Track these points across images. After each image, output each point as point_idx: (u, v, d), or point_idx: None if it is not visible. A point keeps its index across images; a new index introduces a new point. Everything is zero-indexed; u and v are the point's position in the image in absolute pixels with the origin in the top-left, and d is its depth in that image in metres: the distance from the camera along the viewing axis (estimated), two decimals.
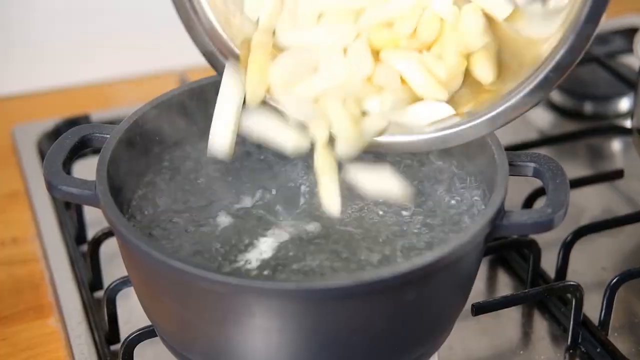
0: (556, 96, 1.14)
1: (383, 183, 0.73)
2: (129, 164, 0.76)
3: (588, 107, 1.13)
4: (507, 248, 0.89)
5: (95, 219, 0.91)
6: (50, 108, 1.14)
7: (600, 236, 0.91)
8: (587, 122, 1.11)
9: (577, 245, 0.87)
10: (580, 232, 0.87)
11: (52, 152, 0.74)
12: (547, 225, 0.68)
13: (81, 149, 0.76)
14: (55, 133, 1.06)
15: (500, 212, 0.69)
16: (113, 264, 0.88)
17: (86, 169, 0.95)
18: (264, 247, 0.71)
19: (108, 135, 0.75)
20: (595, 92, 1.13)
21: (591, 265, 0.91)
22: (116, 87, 1.19)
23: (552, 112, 1.14)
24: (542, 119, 1.13)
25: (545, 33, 0.70)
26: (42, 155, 1.04)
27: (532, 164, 0.73)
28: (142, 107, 0.78)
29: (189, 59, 1.19)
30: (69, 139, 0.75)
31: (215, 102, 0.76)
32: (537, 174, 0.73)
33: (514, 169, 0.73)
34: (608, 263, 0.91)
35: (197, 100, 0.80)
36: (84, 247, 0.92)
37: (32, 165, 1.03)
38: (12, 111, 1.14)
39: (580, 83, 1.14)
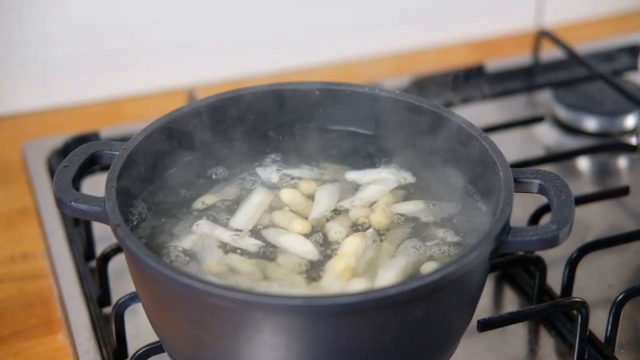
0: (562, 113, 1.14)
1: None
2: (138, 181, 0.77)
3: (593, 124, 1.13)
4: (513, 264, 0.89)
5: (103, 235, 0.92)
6: (60, 125, 1.15)
7: (606, 253, 0.92)
8: (592, 139, 1.12)
9: (582, 261, 0.87)
10: (586, 249, 0.87)
11: (62, 168, 0.74)
12: (552, 242, 0.69)
13: (91, 165, 0.76)
14: (64, 150, 1.07)
15: (506, 229, 0.69)
16: (121, 280, 0.88)
17: (92, 185, 0.96)
18: None
19: (117, 152, 0.75)
20: (600, 109, 1.13)
21: (597, 282, 0.91)
22: (125, 104, 1.19)
23: (558, 129, 1.14)
24: (547, 136, 1.13)
25: None
26: (51, 171, 1.05)
27: (538, 181, 0.73)
28: (152, 123, 0.78)
29: (197, 76, 1.21)
30: (79, 156, 0.75)
31: (224, 123, 0.79)
32: (542, 190, 0.73)
33: (520, 186, 0.73)
34: (614, 280, 0.91)
35: (208, 117, 0.81)
36: (93, 263, 0.92)
37: (42, 181, 1.04)
38: (22, 128, 1.15)
39: (586, 100, 1.15)
